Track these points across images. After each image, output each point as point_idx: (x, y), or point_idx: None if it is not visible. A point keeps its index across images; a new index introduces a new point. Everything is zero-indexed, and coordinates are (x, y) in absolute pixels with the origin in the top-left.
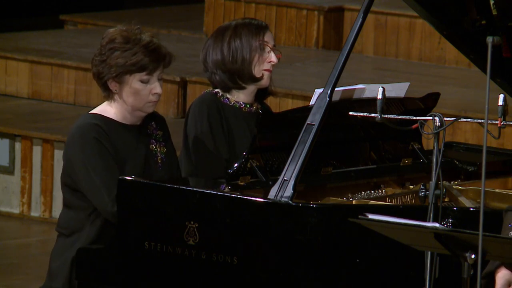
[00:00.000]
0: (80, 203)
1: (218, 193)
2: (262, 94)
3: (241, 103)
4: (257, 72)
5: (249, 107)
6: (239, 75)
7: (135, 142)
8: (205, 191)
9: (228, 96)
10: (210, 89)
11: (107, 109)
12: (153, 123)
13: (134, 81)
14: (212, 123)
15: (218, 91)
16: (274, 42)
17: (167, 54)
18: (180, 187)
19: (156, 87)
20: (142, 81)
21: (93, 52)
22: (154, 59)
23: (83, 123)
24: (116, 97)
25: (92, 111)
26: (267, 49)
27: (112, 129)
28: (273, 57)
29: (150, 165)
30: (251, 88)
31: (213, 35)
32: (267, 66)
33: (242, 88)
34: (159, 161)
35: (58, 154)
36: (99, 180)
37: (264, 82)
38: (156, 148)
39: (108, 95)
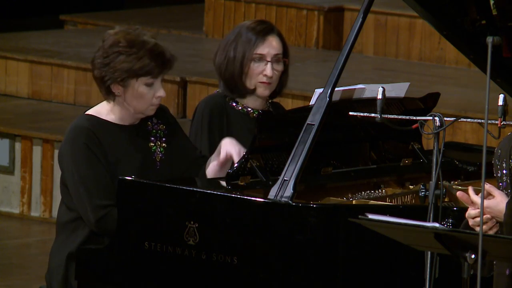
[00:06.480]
0: (75, 204)
1: (218, 193)
2: (271, 96)
3: (249, 108)
4: (249, 84)
5: (257, 113)
6: (232, 85)
7: (130, 143)
8: (205, 191)
9: (237, 99)
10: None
11: (104, 110)
12: (153, 118)
13: (139, 85)
14: (211, 129)
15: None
16: (280, 50)
17: (171, 58)
18: (180, 187)
19: (160, 90)
20: (147, 85)
21: (93, 52)
22: (160, 63)
23: (76, 126)
24: (118, 99)
25: (89, 112)
26: (264, 61)
27: (106, 132)
28: (267, 71)
29: (147, 165)
30: (253, 97)
31: (227, 36)
32: (262, 78)
33: (242, 96)
34: (158, 160)
35: None
36: (83, 190)
37: (260, 93)
38: (156, 146)
39: (109, 97)
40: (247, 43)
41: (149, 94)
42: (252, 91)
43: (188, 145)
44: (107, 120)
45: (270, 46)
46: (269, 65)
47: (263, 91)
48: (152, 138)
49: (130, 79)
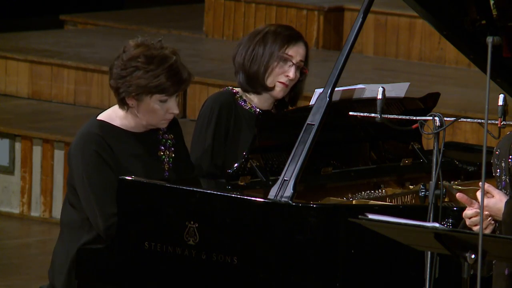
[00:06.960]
0: (81, 205)
1: (218, 193)
2: (281, 104)
3: (257, 109)
4: (270, 82)
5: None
6: (253, 80)
7: (140, 150)
8: (205, 191)
9: (246, 98)
10: (231, 86)
11: (116, 116)
12: (163, 127)
13: (153, 101)
14: (218, 124)
15: (237, 91)
16: (304, 58)
17: (188, 77)
18: (180, 187)
19: (174, 107)
20: (161, 101)
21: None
22: (176, 83)
23: (87, 131)
24: (131, 110)
25: (100, 117)
26: (289, 63)
27: (117, 138)
28: (291, 72)
29: (156, 173)
30: (266, 96)
31: (247, 35)
32: (282, 79)
33: (258, 93)
34: (166, 168)
35: (58, 154)
36: (93, 197)
37: (276, 93)
38: (164, 155)
39: (123, 106)
40: (278, 43)
41: (162, 110)
42: (270, 89)
43: (187, 160)
44: (118, 127)
45: (299, 52)
46: (293, 67)
47: (279, 91)
48: (162, 147)
49: (144, 95)
